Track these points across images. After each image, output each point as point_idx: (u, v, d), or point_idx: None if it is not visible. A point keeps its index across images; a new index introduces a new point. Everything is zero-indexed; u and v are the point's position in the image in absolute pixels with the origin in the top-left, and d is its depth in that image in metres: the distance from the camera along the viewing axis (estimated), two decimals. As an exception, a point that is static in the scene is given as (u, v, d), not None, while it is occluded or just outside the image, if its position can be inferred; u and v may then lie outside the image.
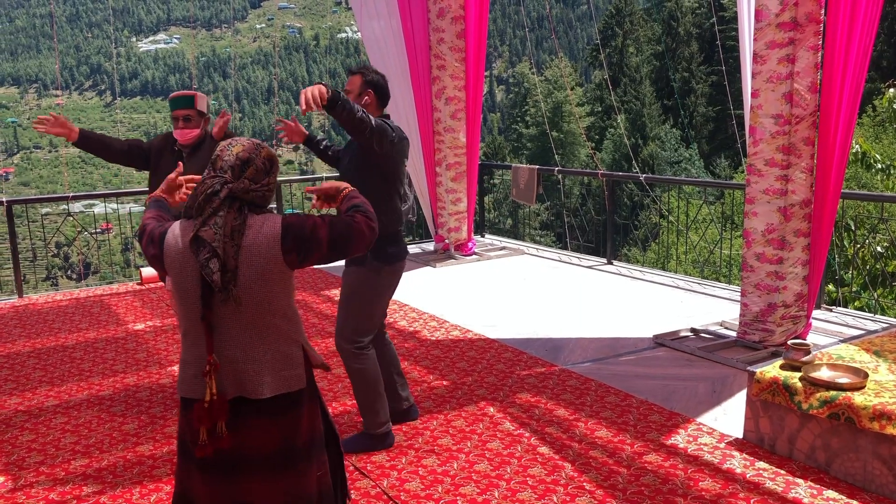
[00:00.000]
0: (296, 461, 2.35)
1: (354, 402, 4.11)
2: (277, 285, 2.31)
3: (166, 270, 2.34)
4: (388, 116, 3.94)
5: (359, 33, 8.46)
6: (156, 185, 4.37)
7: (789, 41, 4.67)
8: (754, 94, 4.88)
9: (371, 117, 3.57)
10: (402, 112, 7.92)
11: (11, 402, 4.62)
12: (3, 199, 7.32)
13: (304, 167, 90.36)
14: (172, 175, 2.63)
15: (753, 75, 4.88)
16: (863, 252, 7.64)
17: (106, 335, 5.92)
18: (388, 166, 3.79)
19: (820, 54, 4.66)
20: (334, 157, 4.11)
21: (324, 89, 3.26)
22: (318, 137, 4.15)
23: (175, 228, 2.34)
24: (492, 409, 4.30)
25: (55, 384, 4.91)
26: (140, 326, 6.13)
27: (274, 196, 2.54)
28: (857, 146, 8.34)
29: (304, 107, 3.20)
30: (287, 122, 3.96)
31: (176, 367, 5.15)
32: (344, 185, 2.60)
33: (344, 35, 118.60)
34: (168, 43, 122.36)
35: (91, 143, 4.37)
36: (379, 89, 3.89)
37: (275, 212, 2.55)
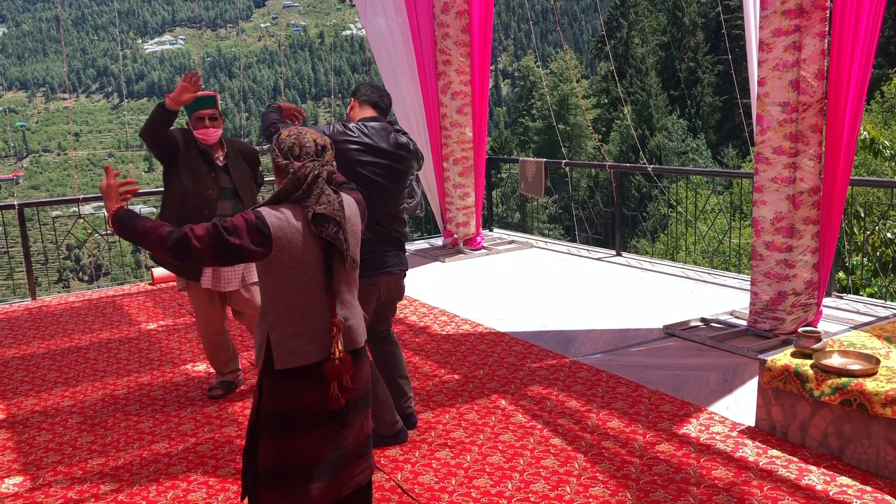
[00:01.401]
0: (369, 399, 2.72)
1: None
2: (359, 248, 2.70)
3: (273, 252, 2.45)
4: (379, 119, 3.80)
5: (363, 30, 8.46)
6: (191, 183, 4.32)
7: (795, 28, 4.66)
8: (761, 83, 4.87)
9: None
10: (408, 108, 7.94)
11: (28, 403, 4.67)
12: (15, 203, 7.37)
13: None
14: (111, 182, 2.68)
15: (760, 63, 4.87)
16: (872, 239, 7.61)
17: (119, 335, 5.97)
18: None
19: (826, 41, 4.65)
20: None
21: None
22: None
23: (274, 213, 2.46)
24: (504, 402, 4.32)
25: (70, 384, 4.95)
26: (153, 326, 6.17)
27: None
28: (865, 133, 8.30)
29: None
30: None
31: (189, 366, 5.19)
32: None
33: (348, 32, 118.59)
34: (174, 44, 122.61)
35: (172, 118, 4.33)
36: (357, 91, 3.88)
37: None
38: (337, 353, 2.51)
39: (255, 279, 4.39)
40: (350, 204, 2.65)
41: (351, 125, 3.71)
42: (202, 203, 4.30)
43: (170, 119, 4.28)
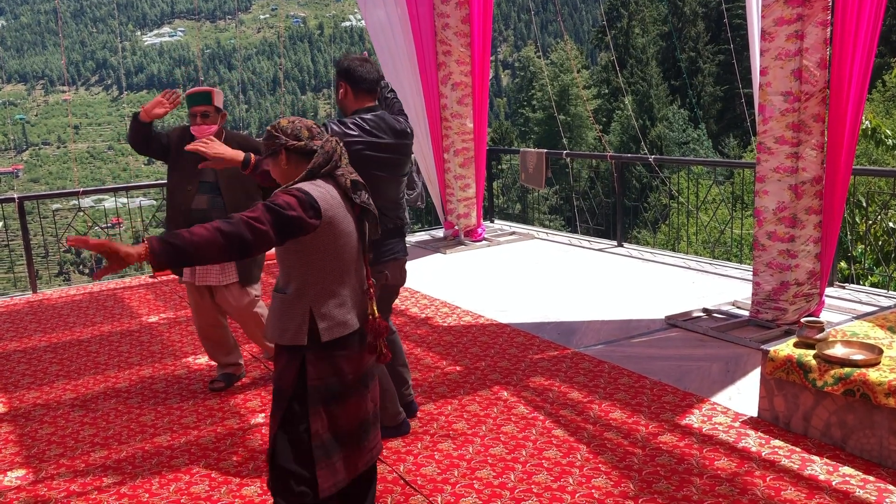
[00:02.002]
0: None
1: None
2: None
3: (322, 223, 2.50)
4: (366, 111, 3.64)
5: (363, 21, 8.43)
6: (176, 179, 4.37)
7: (797, 17, 4.63)
8: (763, 72, 4.85)
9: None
10: (409, 99, 7.91)
11: (30, 396, 4.67)
12: (15, 196, 7.36)
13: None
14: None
15: (762, 53, 4.85)
16: (875, 228, 7.60)
17: (120, 328, 5.96)
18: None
19: (829, 30, 4.62)
20: None
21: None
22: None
23: (314, 187, 2.52)
24: (505, 394, 4.32)
25: (72, 378, 4.95)
26: (154, 319, 6.17)
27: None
28: (867, 122, 8.28)
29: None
30: None
31: (190, 359, 5.18)
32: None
33: (348, 24, 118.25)
34: (173, 36, 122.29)
35: (149, 129, 4.37)
36: (349, 76, 3.61)
37: None
38: (375, 312, 2.68)
39: (234, 279, 4.39)
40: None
41: (348, 122, 3.54)
42: (182, 198, 4.36)
43: (144, 129, 4.31)
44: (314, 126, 2.67)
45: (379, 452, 2.81)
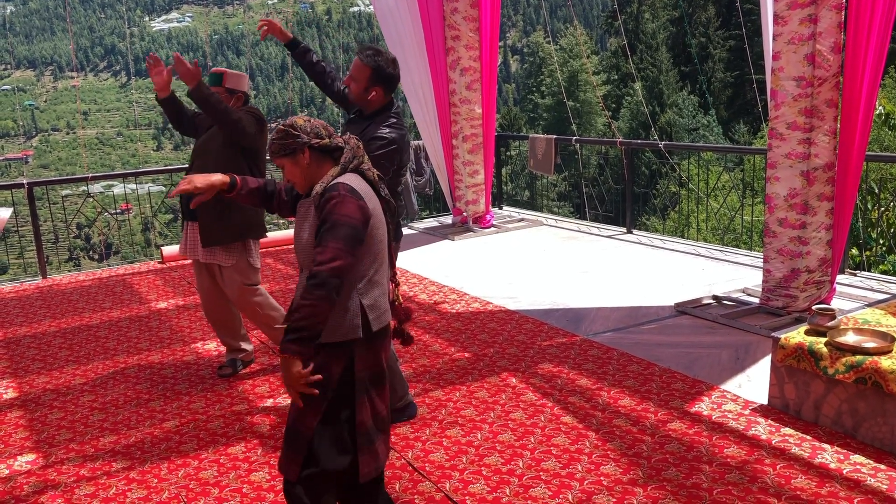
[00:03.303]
0: None
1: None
2: None
3: (369, 218, 2.53)
4: (389, 107, 3.67)
5: (371, 6, 8.39)
6: (196, 156, 4.42)
7: (811, 1, 4.57)
8: (775, 57, 4.79)
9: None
10: (417, 84, 7.87)
11: (40, 381, 4.69)
12: (25, 182, 7.37)
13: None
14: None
15: (774, 37, 4.79)
16: (887, 215, 7.54)
17: (129, 314, 5.98)
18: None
19: (843, 13, 4.56)
20: (334, 90, 3.99)
21: None
22: (304, 45, 4.00)
23: (349, 182, 2.54)
24: (514, 380, 4.31)
25: (81, 363, 4.97)
26: (163, 305, 6.18)
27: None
28: (880, 107, 8.20)
29: None
30: (269, 21, 4.00)
31: (199, 345, 5.19)
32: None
33: (356, 9, 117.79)
34: (181, 21, 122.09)
35: (175, 103, 4.51)
36: (390, 83, 3.62)
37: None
38: (400, 298, 2.80)
39: (222, 262, 4.37)
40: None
41: (395, 123, 3.59)
42: (188, 171, 4.42)
43: (168, 105, 4.47)
44: (328, 125, 2.67)
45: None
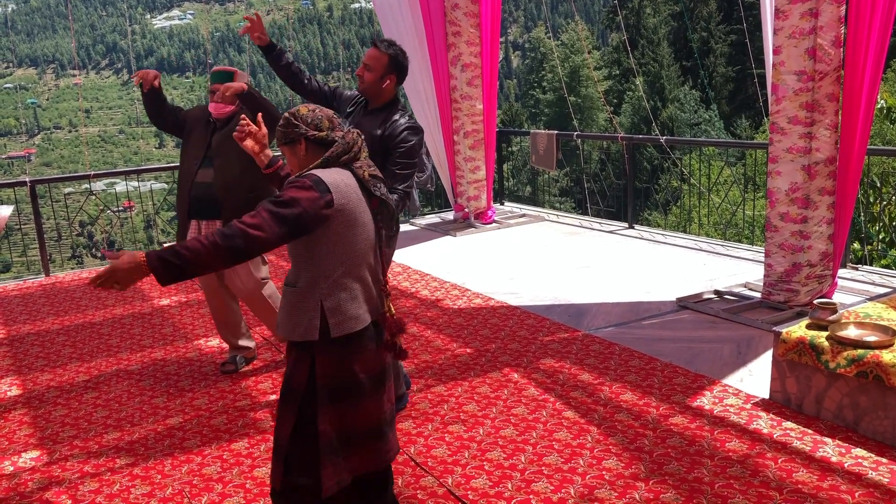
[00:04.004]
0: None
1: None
2: None
3: (334, 211, 2.42)
4: (398, 98, 3.81)
5: (371, 2, 8.39)
6: (185, 154, 4.45)
7: (812, -5, 4.56)
8: (776, 51, 4.79)
9: None
10: (418, 80, 7.87)
11: (43, 379, 4.70)
12: (27, 180, 7.38)
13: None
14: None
15: (775, 31, 4.79)
16: (889, 209, 7.53)
17: (132, 311, 5.99)
18: None
19: (844, 7, 4.55)
20: (312, 87, 3.97)
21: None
22: (280, 47, 3.98)
23: (327, 176, 2.46)
24: (516, 375, 4.32)
25: (85, 360, 4.98)
26: (165, 301, 6.20)
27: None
28: (882, 101, 8.19)
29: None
30: (253, 18, 3.90)
31: (202, 341, 5.21)
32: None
33: (357, 5, 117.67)
34: (182, 19, 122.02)
35: (158, 95, 4.48)
36: (402, 72, 3.77)
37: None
38: (392, 309, 2.61)
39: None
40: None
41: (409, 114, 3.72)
42: (187, 173, 4.42)
43: (152, 98, 4.44)
44: (334, 117, 2.62)
45: (396, 454, 2.70)
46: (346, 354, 2.50)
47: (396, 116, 3.69)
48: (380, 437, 2.61)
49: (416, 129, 3.69)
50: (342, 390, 2.50)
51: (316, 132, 2.54)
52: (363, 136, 2.64)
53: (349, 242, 2.49)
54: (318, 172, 2.47)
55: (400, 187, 3.57)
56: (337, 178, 2.48)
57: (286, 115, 2.58)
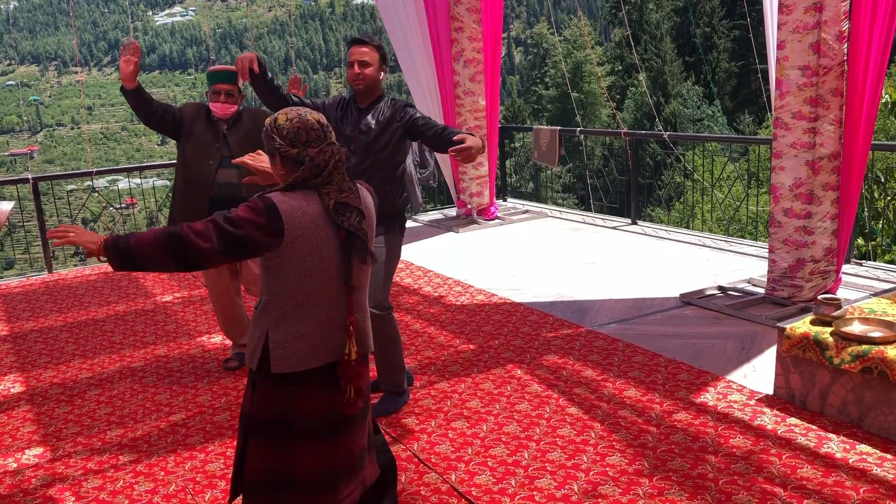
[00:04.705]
0: (369, 405, 2.53)
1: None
2: (372, 243, 2.47)
3: (281, 245, 2.24)
4: (384, 92, 3.91)
5: (374, -1, 8.36)
6: (193, 155, 4.32)
7: (816, -11, 4.54)
8: (780, 46, 4.77)
9: None
10: (421, 76, 7.85)
11: (46, 376, 4.71)
12: (29, 177, 7.38)
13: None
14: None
15: (779, 26, 4.77)
16: (893, 204, 7.51)
17: (135, 308, 5.99)
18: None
19: (848, 2, 4.53)
20: (293, 100, 3.89)
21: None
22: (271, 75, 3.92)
23: (287, 201, 2.26)
24: (519, 372, 4.31)
25: (88, 357, 4.99)
26: (168, 298, 6.20)
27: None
28: (886, 96, 8.15)
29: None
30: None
31: (205, 338, 5.20)
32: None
33: (359, 1, 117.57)
34: (184, 16, 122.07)
35: (142, 94, 4.32)
36: (387, 63, 3.92)
37: None
38: (352, 353, 2.34)
39: None
40: (365, 195, 2.48)
41: None
42: (202, 173, 4.31)
43: (135, 98, 4.27)
44: (318, 126, 2.35)
45: (374, 475, 2.54)
46: (283, 392, 2.31)
47: (393, 103, 3.83)
48: (330, 489, 2.35)
49: (405, 102, 3.86)
50: (278, 430, 2.32)
51: (289, 149, 2.32)
52: (343, 151, 2.39)
53: (302, 278, 2.28)
54: (278, 196, 2.28)
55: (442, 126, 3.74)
56: (296, 206, 2.26)
57: (267, 121, 2.39)
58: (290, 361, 2.29)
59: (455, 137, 3.45)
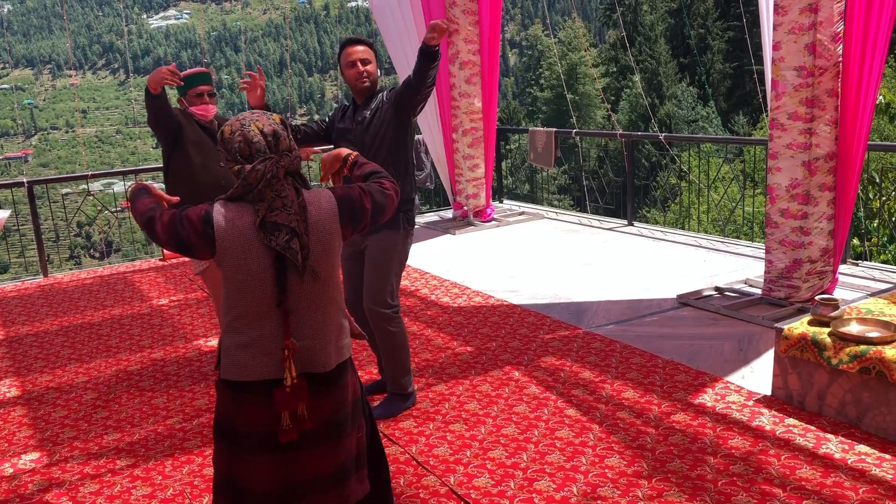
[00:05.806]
0: (344, 427, 2.35)
1: (372, 372, 4.13)
2: (335, 257, 2.34)
3: (216, 255, 2.24)
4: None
5: (368, 1, 8.36)
6: (200, 158, 4.25)
7: (811, -10, 4.55)
8: (776, 47, 4.77)
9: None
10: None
11: (43, 380, 4.68)
12: (24, 180, 7.36)
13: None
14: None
15: (775, 27, 4.78)
16: (889, 205, 7.53)
17: (131, 311, 5.97)
18: (411, 128, 3.90)
19: (843, 3, 4.54)
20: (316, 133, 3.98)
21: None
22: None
23: (223, 212, 2.23)
24: (517, 374, 4.30)
25: (84, 361, 4.97)
26: (164, 302, 6.18)
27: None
28: (881, 97, 8.17)
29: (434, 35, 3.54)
30: (255, 76, 3.74)
31: (201, 341, 5.19)
32: (346, 151, 2.69)
33: (354, 4, 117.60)
34: (179, 18, 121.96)
35: (166, 100, 4.20)
36: (380, 62, 4.06)
37: None
38: (289, 378, 2.21)
39: None
40: (320, 205, 2.30)
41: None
42: (215, 176, 4.22)
43: (158, 103, 4.13)
44: (259, 138, 2.26)
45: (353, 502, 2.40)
46: (228, 399, 2.28)
47: (382, 93, 3.87)
48: (285, 500, 2.28)
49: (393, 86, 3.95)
50: (226, 435, 2.30)
51: (231, 164, 2.28)
52: (280, 169, 2.24)
53: (236, 290, 2.24)
54: (218, 205, 2.25)
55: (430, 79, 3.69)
56: (230, 218, 2.22)
57: (220, 131, 2.33)
58: (231, 369, 2.26)
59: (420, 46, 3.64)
